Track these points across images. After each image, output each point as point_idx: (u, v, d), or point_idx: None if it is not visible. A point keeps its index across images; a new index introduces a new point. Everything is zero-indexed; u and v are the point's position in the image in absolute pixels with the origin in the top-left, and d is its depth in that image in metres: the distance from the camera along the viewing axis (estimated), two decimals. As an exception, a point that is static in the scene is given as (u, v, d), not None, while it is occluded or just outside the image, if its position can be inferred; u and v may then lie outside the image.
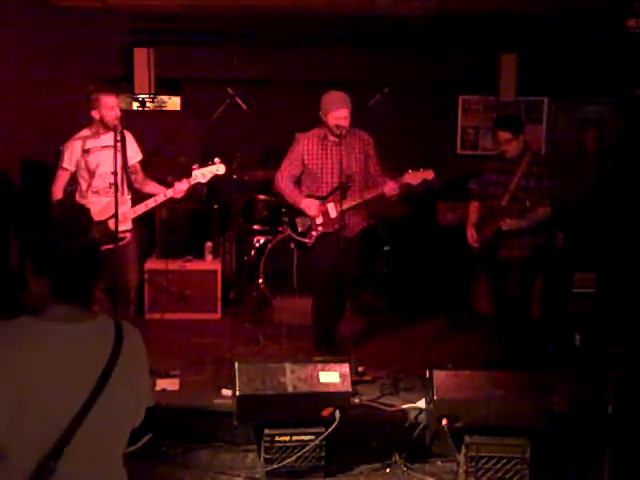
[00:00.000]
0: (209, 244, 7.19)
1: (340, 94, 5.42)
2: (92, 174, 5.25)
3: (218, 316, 7.02)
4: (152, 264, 7.04)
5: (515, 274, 5.50)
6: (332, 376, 4.46)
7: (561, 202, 5.41)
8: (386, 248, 7.33)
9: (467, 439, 4.35)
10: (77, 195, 5.34)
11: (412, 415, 4.78)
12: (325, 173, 5.51)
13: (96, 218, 5.27)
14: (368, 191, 5.48)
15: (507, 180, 5.48)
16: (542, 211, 5.35)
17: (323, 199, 5.52)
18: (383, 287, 7.35)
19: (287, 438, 4.36)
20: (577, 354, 5.34)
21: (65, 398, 2.00)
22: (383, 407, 4.91)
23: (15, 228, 6.35)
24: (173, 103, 8.17)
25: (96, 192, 5.27)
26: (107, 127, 5.19)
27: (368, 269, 7.05)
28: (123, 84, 7.62)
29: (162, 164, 6.96)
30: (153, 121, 7.81)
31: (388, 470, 4.55)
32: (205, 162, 5.45)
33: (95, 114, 5.20)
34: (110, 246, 4.98)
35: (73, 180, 5.36)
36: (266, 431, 4.36)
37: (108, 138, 5.20)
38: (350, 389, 4.50)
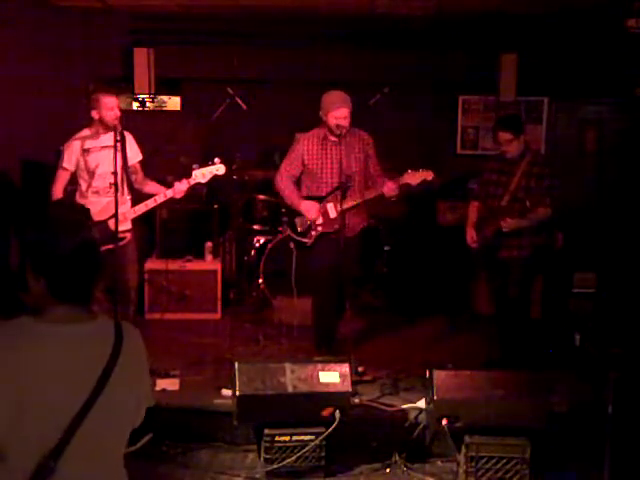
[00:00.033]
0: (209, 244, 7.19)
1: (340, 94, 5.42)
2: (92, 174, 5.25)
3: (218, 316, 7.02)
4: (152, 264, 7.04)
5: (515, 274, 5.50)
6: (332, 376, 4.46)
7: (561, 202, 5.40)
8: (386, 248, 7.33)
9: (467, 439, 4.35)
10: (77, 195, 5.35)
11: (412, 415, 4.78)
12: (325, 173, 5.51)
13: (96, 218, 5.34)
14: (368, 191, 5.48)
15: (507, 180, 5.48)
16: (542, 211, 5.35)
17: (323, 199, 5.52)
18: (383, 287, 7.35)
19: (287, 438, 4.36)
20: (577, 354, 5.34)
21: (65, 398, 2.00)
22: (383, 407, 4.91)
23: (15, 228, 6.35)
24: (173, 103, 8.17)
25: (96, 192, 5.27)
26: (107, 127, 5.19)
27: (368, 269, 7.06)
28: (123, 84, 7.61)
29: (162, 164, 6.96)
30: (153, 121, 7.81)
31: (388, 470, 4.55)
32: (205, 162, 5.45)
33: (95, 114, 5.20)
34: (110, 246, 4.98)
35: (73, 180, 5.37)
36: (266, 431, 4.36)
37: (108, 138, 5.20)
38: (350, 389, 4.50)
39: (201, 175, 5.35)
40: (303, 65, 7.79)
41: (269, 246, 6.93)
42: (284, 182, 5.61)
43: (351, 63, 7.77)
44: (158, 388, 4.97)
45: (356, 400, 4.86)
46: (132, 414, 2.20)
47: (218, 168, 5.38)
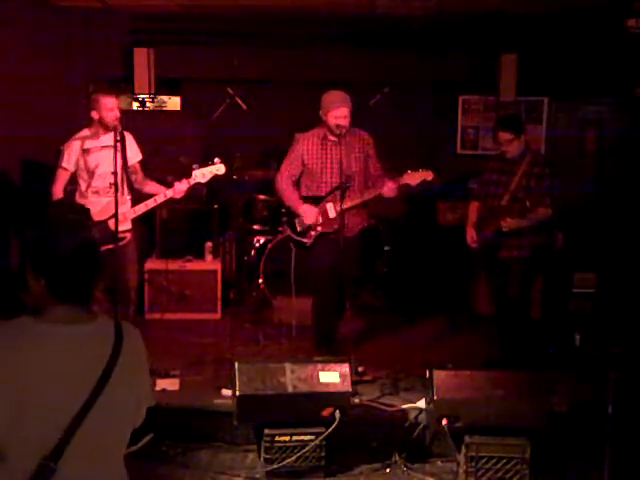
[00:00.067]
0: (209, 244, 7.19)
1: (340, 93, 5.42)
2: (91, 174, 5.25)
3: (218, 316, 7.02)
4: (152, 264, 7.04)
5: (515, 274, 5.50)
6: (332, 376, 4.45)
7: (561, 202, 5.40)
8: (386, 248, 7.32)
9: (467, 439, 4.35)
10: (77, 195, 5.34)
11: (412, 415, 4.78)
12: (325, 173, 5.51)
13: (96, 218, 5.35)
14: (368, 191, 5.48)
15: (508, 180, 5.48)
16: (543, 211, 5.35)
17: (322, 199, 5.52)
18: (383, 287, 7.35)
19: (287, 438, 4.36)
20: (577, 354, 5.33)
21: (65, 398, 2.00)
22: (383, 407, 4.91)
23: (15, 228, 6.35)
24: (173, 103, 8.17)
25: (96, 192, 5.27)
26: (107, 128, 5.19)
27: (368, 269, 7.05)
28: (123, 84, 7.62)
29: (162, 164, 6.96)
30: (153, 121, 7.80)
31: (388, 470, 4.54)
32: (205, 162, 5.46)
33: (95, 115, 5.21)
34: (110, 246, 4.98)
35: (73, 180, 5.37)
36: (266, 431, 4.36)
37: (107, 138, 5.20)
38: (350, 389, 4.50)
39: (201, 175, 5.36)
40: (303, 65, 7.79)
41: (269, 246, 6.93)
42: (284, 182, 5.61)
43: (351, 63, 7.77)
44: (158, 388, 4.97)
45: (356, 400, 4.86)
46: (132, 414, 2.20)
47: (218, 168, 5.39)
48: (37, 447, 1.97)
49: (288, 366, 4.45)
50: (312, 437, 4.36)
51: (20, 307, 2.12)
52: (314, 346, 5.66)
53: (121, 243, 5.15)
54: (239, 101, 6.95)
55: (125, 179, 5.22)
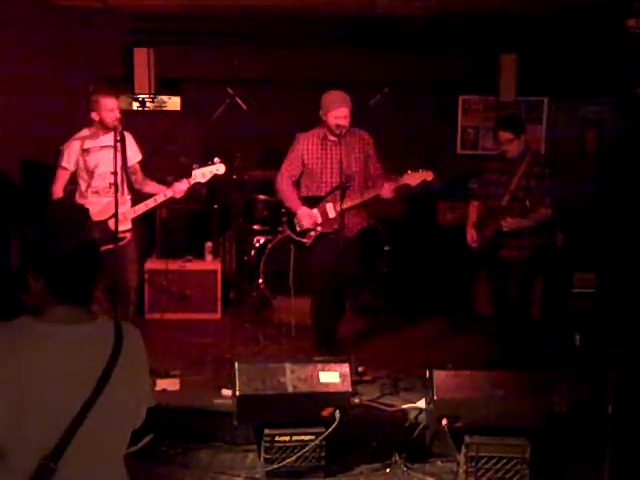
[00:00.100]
0: (209, 244, 7.19)
1: (340, 93, 5.42)
2: (91, 174, 5.25)
3: (218, 316, 7.02)
4: (152, 264, 7.04)
5: (515, 274, 5.50)
6: (332, 376, 4.46)
7: (561, 202, 5.40)
8: (386, 248, 7.32)
9: (467, 439, 4.35)
10: (77, 195, 5.34)
11: (412, 415, 4.78)
12: (325, 173, 5.51)
13: (96, 218, 5.34)
14: (367, 191, 5.48)
15: (508, 180, 5.48)
16: (543, 211, 5.35)
17: (322, 199, 5.52)
18: (383, 287, 7.34)
19: (287, 438, 4.36)
20: (577, 354, 5.34)
21: (65, 399, 2.00)
22: (383, 407, 4.91)
23: (15, 228, 6.35)
24: (173, 103, 8.17)
25: (96, 192, 5.27)
26: (107, 128, 5.19)
27: (368, 269, 7.05)
28: (123, 84, 7.62)
29: (162, 164, 6.96)
30: (153, 121, 7.80)
31: (388, 470, 4.55)
32: (205, 162, 5.46)
33: (95, 116, 5.21)
34: (110, 246, 4.98)
35: (73, 180, 5.37)
36: (266, 431, 4.36)
37: (107, 138, 5.21)
38: (350, 389, 4.50)
39: (201, 175, 5.36)
40: (303, 65, 7.78)
41: (269, 246, 6.93)
42: (284, 183, 5.62)
43: (351, 63, 7.76)
44: (158, 388, 4.97)
45: (356, 400, 4.86)
46: (132, 414, 2.20)
47: (218, 168, 5.39)
48: (37, 447, 1.97)
49: (288, 366, 4.45)
50: (312, 437, 4.36)
51: (20, 307, 2.12)
52: (314, 346, 5.66)
53: (121, 243, 5.15)
54: (239, 101, 6.94)
55: (125, 179, 5.23)
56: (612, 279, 6.78)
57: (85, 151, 5.26)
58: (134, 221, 5.40)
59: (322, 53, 7.74)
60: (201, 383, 5.24)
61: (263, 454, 4.39)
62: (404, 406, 4.87)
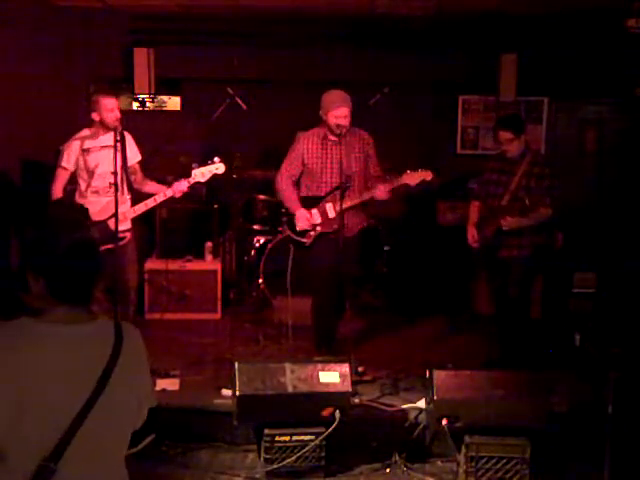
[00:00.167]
0: (209, 244, 7.19)
1: (340, 93, 5.42)
2: (91, 174, 5.25)
3: (218, 316, 7.02)
4: (152, 264, 7.04)
5: (515, 274, 5.50)
6: (332, 376, 4.45)
7: (561, 202, 5.40)
8: (386, 248, 7.32)
9: (467, 439, 4.35)
10: (77, 195, 5.34)
11: (412, 415, 4.78)
12: (325, 173, 5.51)
13: (96, 218, 5.34)
14: (367, 192, 5.47)
15: (508, 180, 5.48)
16: (544, 211, 5.36)
17: (322, 199, 5.52)
18: (383, 287, 7.35)
19: (287, 438, 4.36)
20: (577, 354, 5.33)
21: (65, 399, 2.00)
22: (383, 407, 4.91)
23: (15, 228, 6.35)
24: (173, 103, 8.17)
25: (95, 192, 5.27)
26: (107, 128, 5.19)
27: (368, 269, 7.05)
28: (123, 84, 7.62)
29: (162, 164, 6.96)
30: (153, 121, 7.80)
31: (388, 470, 4.54)
32: (205, 162, 5.46)
33: (95, 116, 5.21)
34: (110, 246, 4.99)
35: (73, 180, 5.37)
36: (266, 431, 4.36)
37: (107, 138, 5.21)
38: (350, 389, 4.50)
39: (200, 174, 5.35)
40: (303, 65, 7.79)
41: (269, 246, 6.93)
42: (284, 183, 5.61)
43: (351, 63, 7.77)
44: (158, 388, 4.97)
45: (356, 400, 4.86)
46: (133, 414, 2.20)
47: (218, 167, 5.38)
48: (37, 448, 1.97)
49: (288, 366, 4.45)
50: (312, 437, 4.36)
51: (20, 307, 2.12)
52: (314, 346, 5.66)
53: (121, 243, 5.15)
54: (239, 101, 6.94)
55: (125, 179, 5.23)
56: (612, 279, 6.78)
57: (85, 151, 5.26)
58: (134, 221, 5.40)
59: (322, 53, 7.74)
60: (201, 383, 5.24)
61: (263, 454, 4.39)
62: (404, 406, 4.87)
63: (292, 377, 4.40)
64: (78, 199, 5.29)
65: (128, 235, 5.30)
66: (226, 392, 4.82)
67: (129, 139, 5.39)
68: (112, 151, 5.04)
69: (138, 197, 5.40)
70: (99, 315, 2.16)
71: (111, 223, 5.05)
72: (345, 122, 5.34)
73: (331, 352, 5.42)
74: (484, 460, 4.34)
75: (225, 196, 7.43)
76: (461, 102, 8.25)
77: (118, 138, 5.03)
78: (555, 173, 5.45)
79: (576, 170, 7.66)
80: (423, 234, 7.69)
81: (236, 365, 4.41)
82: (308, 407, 4.38)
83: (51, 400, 1.98)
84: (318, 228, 5.55)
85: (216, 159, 5.40)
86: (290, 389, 4.38)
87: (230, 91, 6.92)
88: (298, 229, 5.59)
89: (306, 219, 5.51)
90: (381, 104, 6.93)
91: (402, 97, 7.44)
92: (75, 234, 2.11)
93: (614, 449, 4.09)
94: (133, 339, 2.18)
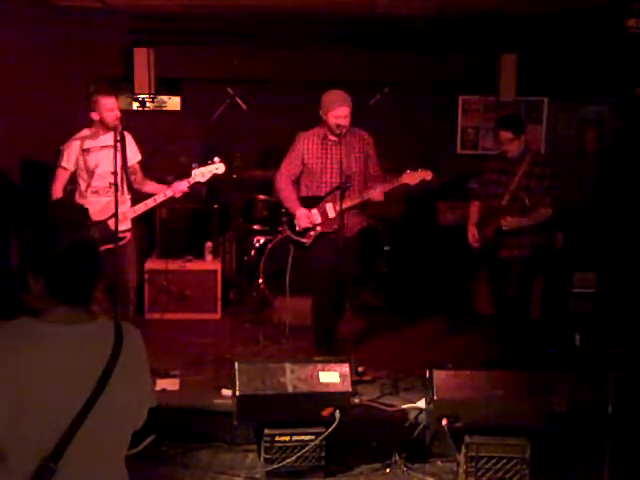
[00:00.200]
0: (209, 244, 7.19)
1: (340, 93, 5.42)
2: (91, 174, 5.25)
3: (218, 316, 7.02)
4: (152, 264, 7.04)
5: (515, 274, 5.50)
6: (332, 376, 4.46)
7: (561, 202, 5.41)
8: (386, 248, 7.32)
9: (467, 439, 4.35)
10: (77, 195, 5.34)
11: (412, 415, 4.78)
12: (325, 173, 5.51)
13: (95, 218, 5.34)
14: (366, 192, 5.47)
15: (508, 180, 5.48)
16: (544, 211, 5.36)
17: (322, 199, 5.52)
18: (383, 287, 7.35)
19: (287, 438, 4.36)
20: (577, 354, 5.34)
21: (65, 399, 2.00)
22: (383, 407, 4.91)
23: (15, 228, 6.35)
24: (173, 103, 8.17)
25: (95, 192, 5.27)
26: (107, 128, 5.19)
27: (368, 269, 7.05)
28: (123, 84, 7.62)
29: (162, 164, 6.96)
30: (153, 121, 7.80)
31: (388, 470, 4.55)
32: (205, 162, 5.46)
33: (95, 116, 5.21)
34: (110, 246, 4.99)
35: (73, 180, 5.37)
36: (266, 431, 4.36)
37: (107, 138, 5.21)
38: (350, 389, 4.50)
39: (200, 174, 5.35)
40: (303, 65, 7.78)
41: (269, 246, 6.94)
42: (283, 182, 5.61)
43: (351, 63, 7.76)
44: (158, 388, 4.97)
45: (356, 400, 4.86)
46: (133, 415, 2.20)
47: (218, 167, 5.38)
48: (37, 448, 1.97)
49: (288, 366, 4.45)
50: (312, 437, 4.36)
51: (20, 307, 2.12)
52: (314, 346, 5.66)
53: (121, 243, 5.15)
54: (239, 101, 6.94)
55: (125, 179, 5.23)
56: (612, 279, 6.78)
57: (85, 151, 5.26)
58: (134, 221, 5.40)
59: (322, 53, 7.74)
60: (201, 383, 5.24)
61: (263, 454, 4.39)
62: (404, 406, 4.87)
63: (292, 377, 4.41)
64: (78, 199, 5.29)
65: (128, 235, 5.30)
66: (226, 392, 4.82)
67: (129, 139, 5.39)
68: (112, 151, 5.04)
69: (138, 197, 5.40)
70: (99, 315, 2.16)
71: (111, 223, 5.05)
72: (345, 122, 5.34)
73: (331, 352, 5.41)
74: (484, 460, 4.34)
75: (225, 196, 7.43)
76: (461, 102, 8.24)
77: (118, 138, 5.03)
78: (555, 173, 5.45)
79: (576, 170, 7.66)
80: (423, 234, 7.69)
81: (236, 365, 4.41)
82: (308, 407, 4.38)
83: (51, 400, 1.98)
84: (318, 228, 5.55)
85: (216, 159, 5.40)
86: (290, 389, 4.38)
87: (230, 91, 6.92)
88: (298, 229, 5.59)
89: (306, 217, 5.50)
90: (381, 104, 6.93)
91: (402, 97, 7.43)
92: (75, 234, 2.11)
93: (614, 449, 4.09)
94: (133, 339, 2.18)
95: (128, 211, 5.28)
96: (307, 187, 5.60)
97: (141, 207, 5.32)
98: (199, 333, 6.43)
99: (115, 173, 4.96)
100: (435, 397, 4.36)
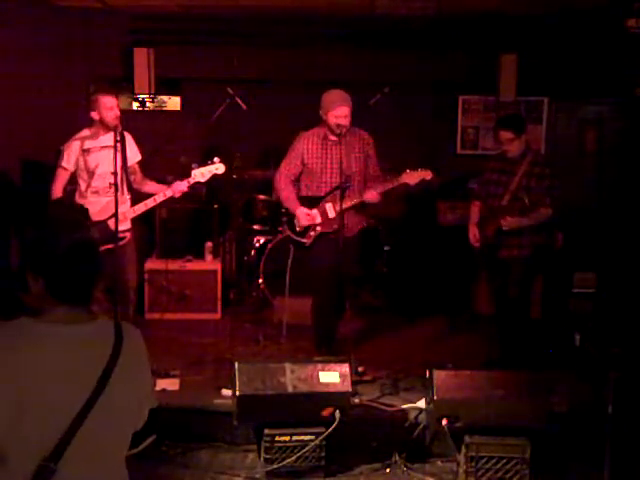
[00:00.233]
0: (209, 244, 7.19)
1: (340, 92, 5.41)
2: (91, 174, 5.25)
3: (218, 316, 7.02)
4: (152, 264, 7.04)
5: (515, 274, 5.50)
6: (332, 376, 4.46)
7: (561, 202, 5.41)
8: (386, 248, 7.32)
9: (467, 439, 4.35)
10: (77, 195, 5.34)
11: (412, 415, 4.78)
12: (325, 173, 5.51)
13: (95, 218, 5.35)
14: (365, 193, 5.46)
15: (508, 180, 5.48)
16: (544, 211, 5.36)
17: (322, 199, 5.52)
18: (383, 287, 7.35)
19: (287, 438, 4.36)
20: (577, 354, 5.34)
21: (65, 399, 2.00)
22: (383, 407, 4.91)
23: (15, 228, 6.35)
24: (173, 103, 8.17)
25: (95, 192, 5.27)
26: (107, 127, 5.19)
27: (368, 269, 7.05)
28: (123, 84, 7.62)
29: (162, 164, 6.96)
30: (153, 121, 7.80)
31: (388, 470, 4.54)
32: (205, 162, 5.46)
33: (95, 115, 5.21)
34: (109, 246, 4.99)
35: (73, 180, 5.37)
36: (266, 431, 4.36)
37: (107, 138, 5.21)
38: (350, 389, 4.50)
39: (200, 174, 5.35)
40: (303, 65, 7.78)
41: (269, 246, 6.94)
42: (282, 182, 5.61)
43: (351, 63, 7.76)
44: (158, 388, 4.97)
45: (356, 400, 4.86)
46: (133, 415, 2.20)
47: (218, 167, 5.38)
48: (37, 448, 1.97)
49: (288, 366, 4.45)
50: (312, 437, 4.36)
51: (20, 307, 2.12)
52: (314, 346, 5.66)
53: (121, 243, 5.15)
54: (239, 101, 6.94)
55: (125, 179, 5.23)
56: (612, 279, 6.78)
57: (85, 151, 5.26)
58: (134, 221, 5.40)
59: (322, 53, 7.74)
60: (201, 383, 5.24)
61: (263, 454, 4.39)
62: (404, 406, 4.87)
63: (292, 377, 4.41)
64: (78, 199, 5.29)
65: (128, 235, 5.30)
66: (226, 392, 4.82)
67: (129, 139, 5.39)
68: (112, 151, 5.04)
69: (138, 197, 5.40)
70: (99, 315, 2.16)
71: (111, 223, 5.05)
72: (345, 122, 5.33)
73: (331, 352, 5.41)
74: (484, 460, 4.34)
75: (225, 196, 7.43)
76: (461, 102, 8.24)
77: (118, 138, 5.03)
78: (555, 173, 5.45)
79: (576, 170, 7.66)
80: (423, 234, 7.69)
81: (236, 365, 4.41)
82: (308, 407, 4.38)
83: (51, 400, 1.98)
84: (318, 228, 5.54)
85: (216, 159, 5.40)
86: (290, 389, 4.38)
87: (230, 91, 6.92)
88: (299, 228, 5.59)
89: (306, 215, 5.50)
90: (381, 104, 6.92)
91: (402, 97, 7.43)
92: (75, 234, 2.11)
93: (614, 449, 4.09)
94: (133, 339, 2.18)
95: (128, 211, 5.28)
96: (307, 187, 5.60)
97: (141, 207, 5.32)
98: (199, 333, 6.43)
99: (115, 173, 4.96)
100: (435, 397, 4.36)
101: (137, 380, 2.19)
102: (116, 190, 4.96)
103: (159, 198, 5.32)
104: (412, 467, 4.56)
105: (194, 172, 5.36)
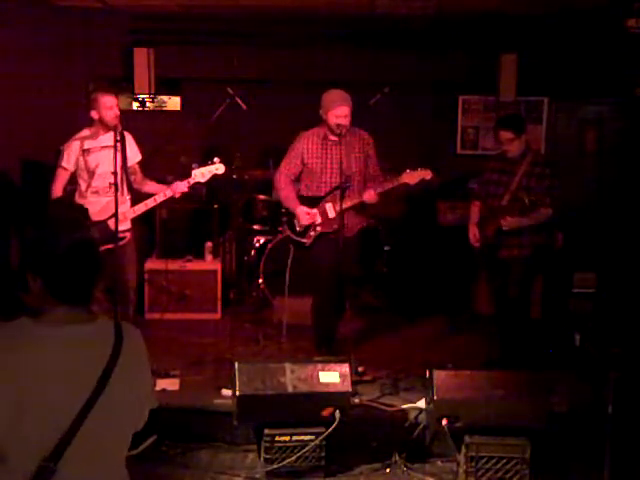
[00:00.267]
0: (209, 244, 7.19)
1: (340, 92, 5.41)
2: (91, 174, 5.25)
3: (218, 316, 7.02)
4: (152, 264, 7.04)
5: (515, 274, 5.50)
6: (332, 376, 4.45)
7: (561, 202, 5.41)
8: (386, 248, 7.32)
9: (467, 439, 4.35)
10: (77, 195, 5.34)
11: (412, 415, 4.78)
12: (325, 173, 5.51)
13: (95, 218, 5.35)
14: (365, 193, 5.46)
15: (508, 180, 5.48)
16: (544, 211, 5.35)
17: (322, 199, 5.52)
18: (383, 287, 7.35)
19: (287, 438, 4.36)
20: (577, 354, 5.33)
21: (65, 399, 2.00)
22: (383, 407, 4.91)
23: (15, 228, 6.35)
24: (173, 103, 8.17)
25: (95, 192, 5.27)
26: (107, 127, 5.19)
27: (368, 269, 7.05)
28: (123, 84, 7.62)
29: (162, 164, 6.96)
30: (153, 121, 7.80)
31: (388, 470, 4.54)
32: (205, 162, 5.46)
33: (94, 114, 5.21)
34: (109, 246, 4.99)
35: (73, 180, 5.37)
36: (266, 431, 4.36)
37: (107, 138, 5.21)
38: (350, 389, 4.50)
39: (200, 175, 5.36)
40: (303, 65, 7.78)
41: (269, 246, 6.94)
42: (282, 181, 5.61)
43: (351, 63, 7.76)
44: (158, 388, 4.97)
45: (356, 400, 4.86)
46: (133, 415, 2.20)
47: (218, 167, 5.39)
48: (37, 448, 1.97)
49: (288, 366, 4.45)
50: (312, 437, 4.36)
51: (20, 307, 2.12)
52: (314, 346, 5.66)
53: (121, 243, 5.15)
54: (239, 101, 6.94)
55: (125, 179, 5.23)
56: (612, 279, 6.78)
57: (85, 151, 5.26)
58: (134, 221, 5.40)
59: (322, 53, 7.74)
60: (201, 383, 5.24)
61: (263, 454, 4.39)
62: (404, 406, 4.87)
63: (292, 377, 4.40)
64: (78, 199, 5.29)
65: (128, 235, 5.30)
66: (226, 392, 4.82)
67: (129, 139, 5.39)
68: (112, 151, 5.04)
69: (138, 197, 5.40)
70: (99, 315, 2.16)
71: (111, 223, 5.05)
72: (345, 122, 5.33)
73: (331, 352, 5.41)
74: (484, 460, 4.33)
75: (225, 196, 7.43)
76: (461, 102, 8.24)
77: (118, 138, 5.03)
78: (555, 173, 5.45)
79: (576, 170, 7.65)
80: (423, 234, 7.69)
81: (236, 365, 4.41)
82: (308, 407, 4.38)
83: (51, 400, 1.98)
84: (318, 228, 5.54)
85: (216, 159, 5.40)
86: (290, 389, 4.38)
87: (230, 91, 6.92)
88: (299, 227, 5.59)
89: (306, 214, 5.49)
90: (381, 104, 6.93)
91: (402, 97, 7.43)
92: (75, 234, 2.11)
93: (614, 449, 4.09)
94: (133, 339, 2.18)
95: (128, 211, 5.28)
96: (307, 187, 5.60)
97: (141, 207, 5.32)
98: (199, 333, 6.43)
99: (115, 173, 4.97)
100: (435, 397, 4.36)
101: (137, 380, 2.19)
102: (116, 190, 4.96)
103: (159, 198, 5.32)
104: (412, 467, 4.56)
105: (194, 172, 5.36)
